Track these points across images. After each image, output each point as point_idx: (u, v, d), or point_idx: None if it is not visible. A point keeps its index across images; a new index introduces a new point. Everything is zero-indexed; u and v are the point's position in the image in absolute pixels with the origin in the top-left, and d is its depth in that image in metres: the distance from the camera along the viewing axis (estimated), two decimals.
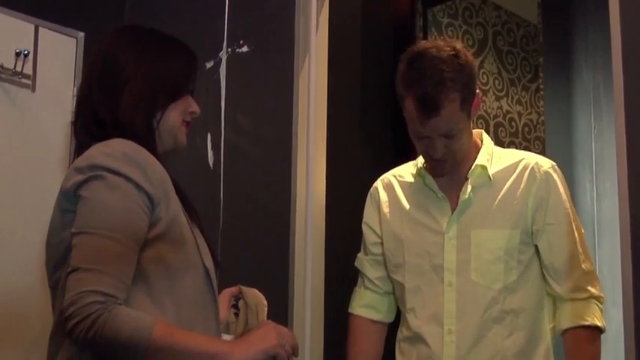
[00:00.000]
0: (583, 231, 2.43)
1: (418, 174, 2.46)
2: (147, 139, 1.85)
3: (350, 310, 2.58)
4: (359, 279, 2.59)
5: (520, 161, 2.40)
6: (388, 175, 2.57)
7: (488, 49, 4.34)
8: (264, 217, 2.93)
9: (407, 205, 2.47)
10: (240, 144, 2.99)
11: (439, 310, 2.34)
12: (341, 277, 2.75)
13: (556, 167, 2.42)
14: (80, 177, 1.72)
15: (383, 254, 2.51)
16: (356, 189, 2.63)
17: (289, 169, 2.87)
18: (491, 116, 4.25)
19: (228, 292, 2.14)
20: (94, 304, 1.60)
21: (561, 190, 2.38)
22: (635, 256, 2.32)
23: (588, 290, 2.33)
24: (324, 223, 2.92)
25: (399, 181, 2.52)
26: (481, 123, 4.18)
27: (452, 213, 2.38)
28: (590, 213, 3.91)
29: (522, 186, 2.36)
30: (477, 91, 2.33)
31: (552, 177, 2.38)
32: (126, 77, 1.86)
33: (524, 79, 4.50)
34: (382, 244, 2.51)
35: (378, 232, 2.52)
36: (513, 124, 4.36)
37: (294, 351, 1.83)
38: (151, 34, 1.97)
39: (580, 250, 2.36)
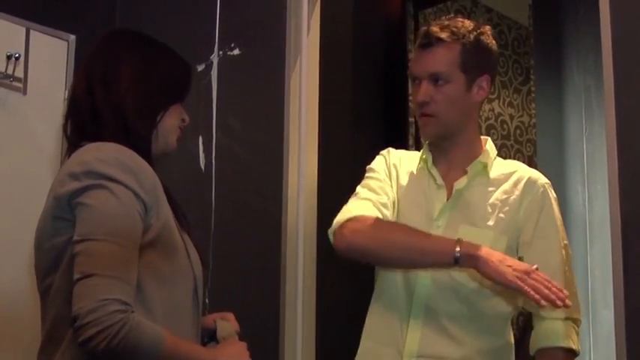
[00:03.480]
0: (571, 252, 2.42)
1: (422, 159, 2.43)
2: (145, 139, 1.86)
3: (348, 216, 2.33)
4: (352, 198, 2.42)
5: (516, 171, 2.40)
6: (397, 152, 2.49)
7: None
8: (256, 219, 2.93)
9: (407, 184, 2.42)
10: (232, 146, 2.99)
11: (410, 294, 2.33)
12: (333, 279, 2.75)
13: (551, 186, 2.41)
14: (76, 184, 1.71)
15: (392, 190, 2.41)
16: (348, 192, 2.62)
17: (281, 172, 2.87)
18: (483, 119, 4.26)
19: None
20: (117, 313, 1.59)
21: (554, 207, 2.37)
22: (625, 258, 2.33)
23: (568, 311, 2.31)
24: (315, 225, 2.92)
25: (401, 162, 2.46)
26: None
27: (446, 202, 2.37)
28: (582, 215, 3.91)
29: (517, 194, 2.35)
30: (488, 76, 2.35)
31: (547, 193, 2.37)
32: (130, 77, 1.86)
33: (515, 81, 4.51)
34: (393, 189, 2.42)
35: (390, 176, 2.43)
36: (505, 126, 4.37)
37: None
38: (152, 40, 1.98)
39: (565, 270, 2.34)
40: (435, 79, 2.29)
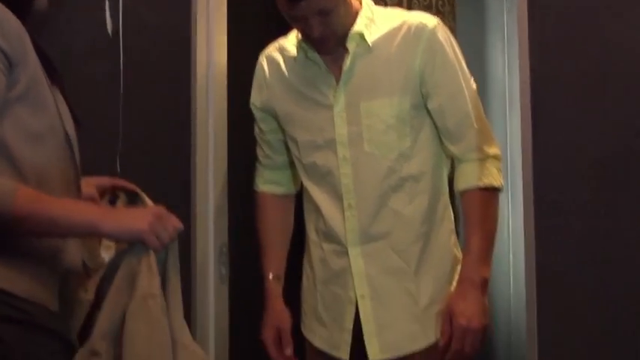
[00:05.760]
0: (475, 86, 2.40)
1: (300, 47, 2.38)
2: None
3: (254, 188, 2.60)
4: (257, 156, 2.60)
5: (403, 24, 2.34)
6: (272, 51, 2.50)
7: None
8: (165, 85, 2.88)
9: (293, 81, 2.41)
10: (140, 10, 2.89)
11: (337, 185, 2.33)
12: (241, 151, 2.74)
13: (441, 24, 2.36)
14: None
15: (273, 131, 2.50)
16: (259, 55, 2.57)
17: (189, 36, 2.82)
18: None
19: (112, 182, 2.08)
20: None
21: (447, 49, 2.33)
22: (534, 113, 2.44)
23: (483, 150, 2.32)
24: (225, 89, 2.91)
25: (283, 56, 2.45)
26: None
27: (337, 85, 2.32)
28: (502, 82, 3.92)
29: (407, 49, 2.30)
30: None
31: (437, 36, 2.32)
32: None
33: None
34: (274, 120, 2.49)
35: (266, 110, 2.49)
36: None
37: (172, 236, 1.69)
38: None
39: (471, 108, 2.34)
40: (323, 12, 2.19)
